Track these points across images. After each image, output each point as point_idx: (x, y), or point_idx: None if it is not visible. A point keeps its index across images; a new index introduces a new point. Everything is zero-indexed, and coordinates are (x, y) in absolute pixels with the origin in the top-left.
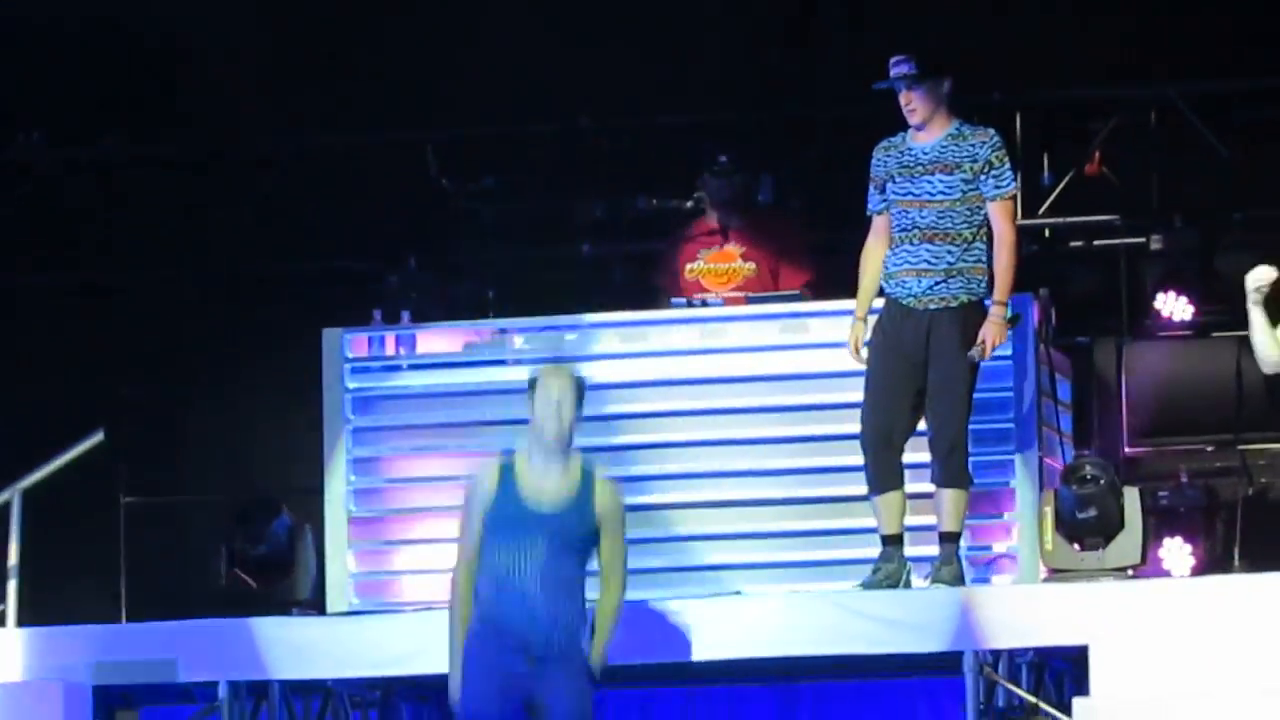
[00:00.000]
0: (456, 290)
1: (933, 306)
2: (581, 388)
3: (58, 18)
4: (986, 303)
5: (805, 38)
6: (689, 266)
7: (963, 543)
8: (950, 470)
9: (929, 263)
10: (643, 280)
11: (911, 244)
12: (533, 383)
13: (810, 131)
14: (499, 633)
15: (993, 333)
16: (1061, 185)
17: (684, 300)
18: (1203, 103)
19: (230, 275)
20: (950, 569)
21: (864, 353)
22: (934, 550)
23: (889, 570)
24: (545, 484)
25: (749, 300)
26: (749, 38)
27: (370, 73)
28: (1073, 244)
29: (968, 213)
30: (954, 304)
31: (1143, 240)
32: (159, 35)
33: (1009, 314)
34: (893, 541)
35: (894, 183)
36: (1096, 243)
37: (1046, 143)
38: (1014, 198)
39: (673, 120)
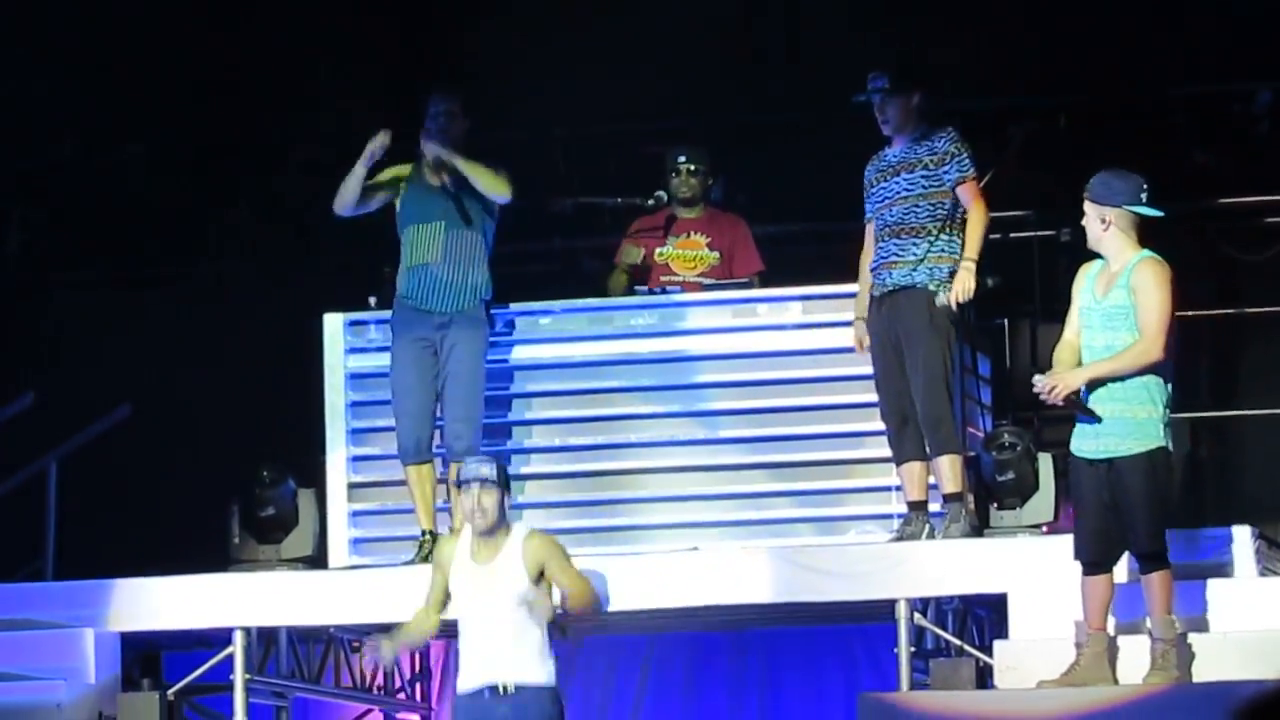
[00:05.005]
0: None
1: (902, 287)
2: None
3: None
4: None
5: (752, 54)
6: (658, 250)
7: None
8: (939, 440)
9: (897, 255)
10: (609, 268)
11: (884, 240)
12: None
13: (758, 136)
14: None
15: (962, 279)
16: (982, 183)
17: (646, 288)
18: (1106, 110)
19: (240, 270)
20: (958, 525)
21: (865, 343)
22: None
23: (908, 532)
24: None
25: (704, 287)
26: (702, 52)
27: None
28: (992, 237)
29: (930, 208)
30: (918, 288)
31: (1053, 233)
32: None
33: (991, 282)
34: (915, 506)
35: (872, 189)
36: (1013, 235)
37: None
38: (976, 179)
39: (635, 127)
